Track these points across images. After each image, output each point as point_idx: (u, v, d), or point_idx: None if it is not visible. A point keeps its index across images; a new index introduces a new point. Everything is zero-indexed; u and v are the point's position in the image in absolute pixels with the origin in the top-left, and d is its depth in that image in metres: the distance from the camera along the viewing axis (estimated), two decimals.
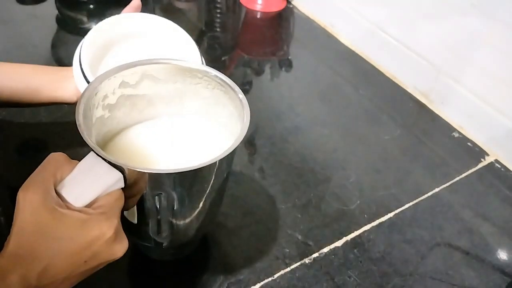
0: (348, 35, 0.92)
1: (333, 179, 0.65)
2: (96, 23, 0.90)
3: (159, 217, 0.43)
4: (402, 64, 0.82)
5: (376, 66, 0.87)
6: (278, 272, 0.53)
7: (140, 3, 0.60)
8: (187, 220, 0.45)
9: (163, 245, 0.47)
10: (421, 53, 0.78)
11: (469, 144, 0.73)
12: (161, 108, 0.51)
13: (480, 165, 0.70)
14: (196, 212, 0.45)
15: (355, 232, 0.58)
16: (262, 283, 0.52)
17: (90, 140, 0.38)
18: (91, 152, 0.38)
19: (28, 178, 0.36)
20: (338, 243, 0.57)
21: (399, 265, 0.55)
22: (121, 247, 0.37)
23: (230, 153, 0.40)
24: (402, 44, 0.81)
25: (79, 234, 0.34)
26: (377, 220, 0.60)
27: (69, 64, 0.57)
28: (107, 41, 0.57)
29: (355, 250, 0.56)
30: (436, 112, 0.78)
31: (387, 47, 0.84)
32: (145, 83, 0.47)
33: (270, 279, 0.52)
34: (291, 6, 1.02)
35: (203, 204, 0.44)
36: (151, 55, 0.48)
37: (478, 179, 0.68)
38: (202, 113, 0.51)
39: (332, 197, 0.63)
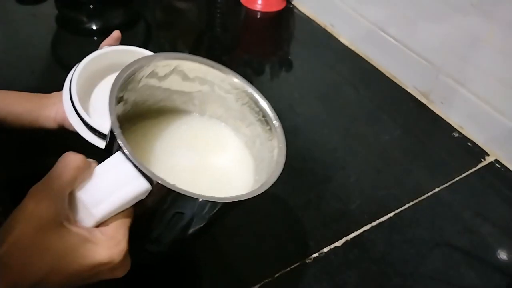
0: (348, 35, 0.92)
1: (333, 179, 0.65)
2: (96, 23, 0.91)
3: (162, 231, 0.41)
4: (402, 64, 0.82)
5: (376, 66, 0.87)
6: (278, 272, 0.53)
7: (120, 34, 0.61)
8: (189, 237, 0.44)
9: (153, 254, 0.45)
10: (421, 53, 0.78)
11: (469, 144, 0.73)
12: (179, 104, 0.48)
13: (480, 165, 0.70)
14: (201, 232, 0.43)
15: (355, 232, 0.58)
16: (262, 283, 0.52)
17: (125, 141, 0.34)
18: (119, 153, 0.34)
19: (41, 185, 0.34)
20: (338, 243, 0.57)
21: (399, 265, 0.55)
22: (123, 270, 0.36)
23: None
24: (402, 44, 0.81)
25: (84, 256, 0.33)
26: (377, 220, 0.60)
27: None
28: (94, 74, 0.57)
29: (355, 250, 0.56)
30: (436, 112, 0.78)
31: (387, 47, 0.84)
32: (173, 78, 0.45)
33: (270, 279, 0.52)
34: (291, 6, 1.02)
35: (211, 226, 0.43)
36: None
37: (478, 179, 0.68)
38: (223, 120, 0.49)
39: (332, 197, 0.63)
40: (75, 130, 0.52)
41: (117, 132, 0.35)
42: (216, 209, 0.38)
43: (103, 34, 0.61)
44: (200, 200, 0.35)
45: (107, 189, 0.34)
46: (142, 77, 0.43)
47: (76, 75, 0.54)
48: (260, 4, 0.99)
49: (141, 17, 0.95)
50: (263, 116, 0.45)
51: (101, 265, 0.34)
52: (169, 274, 0.52)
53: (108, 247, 0.34)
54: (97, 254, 0.33)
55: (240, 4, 1.01)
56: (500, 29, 0.66)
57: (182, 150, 0.46)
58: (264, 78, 0.84)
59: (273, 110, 0.45)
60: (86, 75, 0.55)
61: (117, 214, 0.35)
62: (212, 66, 0.46)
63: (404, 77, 0.83)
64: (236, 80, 0.46)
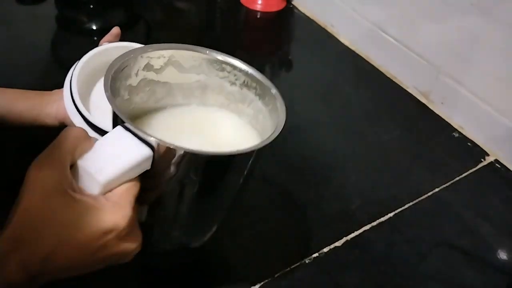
0: (348, 35, 0.92)
1: (333, 179, 0.65)
2: (96, 23, 0.91)
3: (175, 213, 0.41)
4: (402, 64, 0.82)
5: (376, 66, 0.87)
6: (278, 272, 0.53)
7: (119, 31, 0.62)
8: (202, 221, 0.44)
9: (167, 249, 0.46)
10: (421, 53, 0.78)
11: (469, 144, 0.73)
12: (180, 99, 0.49)
13: (480, 165, 0.70)
14: (214, 212, 0.44)
15: (355, 232, 0.58)
16: (262, 283, 0.52)
17: (120, 111, 0.36)
18: (118, 126, 0.35)
19: (42, 154, 0.34)
20: (338, 243, 0.57)
21: (399, 265, 0.55)
22: (132, 244, 0.36)
23: (268, 145, 0.38)
24: (402, 44, 0.81)
25: (90, 224, 0.33)
26: (377, 220, 0.60)
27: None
28: (94, 71, 0.57)
29: (355, 250, 0.56)
30: (436, 112, 0.78)
31: (387, 47, 0.84)
32: (169, 70, 0.46)
33: (270, 279, 0.52)
34: (291, 6, 1.02)
35: (224, 202, 0.43)
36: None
37: (478, 179, 0.68)
38: (224, 107, 0.49)
39: (332, 197, 0.63)
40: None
41: (113, 105, 0.36)
42: (222, 166, 0.38)
43: (103, 34, 0.61)
44: (203, 155, 0.35)
45: (110, 156, 0.35)
46: (138, 70, 0.43)
47: (76, 73, 0.54)
48: (260, 4, 0.99)
49: (141, 17, 0.95)
50: (261, 89, 0.45)
51: (107, 232, 0.33)
52: (169, 274, 0.52)
53: (112, 212, 0.34)
54: (101, 220, 0.33)
55: (240, 4, 1.01)
56: (500, 29, 0.66)
57: (186, 136, 0.46)
58: None
59: (268, 80, 0.45)
60: (86, 72, 0.55)
61: (123, 183, 0.35)
62: (203, 52, 0.46)
63: (404, 77, 0.83)
64: (228, 60, 0.46)
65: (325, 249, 0.56)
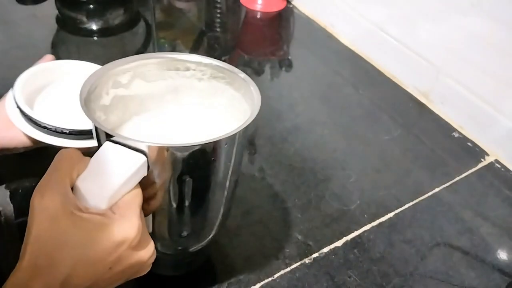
0: (348, 35, 0.92)
1: (333, 179, 0.65)
2: (96, 23, 0.92)
3: (181, 210, 0.42)
4: (402, 64, 0.82)
5: (376, 66, 0.87)
6: (278, 272, 0.53)
7: (53, 57, 0.60)
8: (209, 212, 0.44)
9: (184, 249, 0.46)
10: (421, 53, 0.78)
11: (469, 144, 0.73)
12: (154, 108, 0.49)
13: (480, 165, 0.70)
14: (218, 200, 0.44)
15: (355, 232, 0.58)
16: (262, 283, 0.52)
17: (106, 127, 0.36)
18: (106, 142, 0.36)
19: (41, 181, 0.34)
20: (338, 243, 0.57)
21: (399, 265, 0.55)
22: (146, 252, 0.36)
23: (251, 123, 0.38)
24: (402, 44, 0.81)
25: (101, 240, 0.33)
26: (377, 220, 0.60)
27: None
28: (38, 86, 0.57)
29: (355, 250, 0.56)
30: (436, 112, 0.78)
31: (387, 47, 0.84)
32: (137, 83, 0.46)
33: (270, 279, 0.52)
34: (291, 6, 1.02)
35: (225, 189, 0.43)
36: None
37: (478, 179, 0.68)
38: (199, 105, 0.49)
39: (332, 197, 0.63)
40: (14, 146, 0.52)
41: (95, 121, 0.36)
42: (207, 155, 0.39)
43: (103, 34, 0.62)
44: (193, 146, 0.36)
45: (107, 171, 0.35)
46: (108, 89, 0.44)
47: (18, 88, 0.53)
48: (260, 4, 0.99)
49: (141, 17, 0.95)
50: (229, 77, 0.45)
51: (119, 245, 0.34)
52: (168, 274, 0.52)
53: (120, 224, 0.34)
54: (111, 234, 0.33)
55: (240, 4, 1.01)
56: (500, 29, 0.66)
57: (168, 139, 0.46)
58: (264, 78, 0.84)
59: (233, 67, 0.45)
60: (27, 91, 0.55)
61: (126, 195, 0.36)
62: (163, 57, 0.46)
63: (404, 77, 0.83)
64: (190, 58, 0.46)
65: (325, 249, 0.56)
